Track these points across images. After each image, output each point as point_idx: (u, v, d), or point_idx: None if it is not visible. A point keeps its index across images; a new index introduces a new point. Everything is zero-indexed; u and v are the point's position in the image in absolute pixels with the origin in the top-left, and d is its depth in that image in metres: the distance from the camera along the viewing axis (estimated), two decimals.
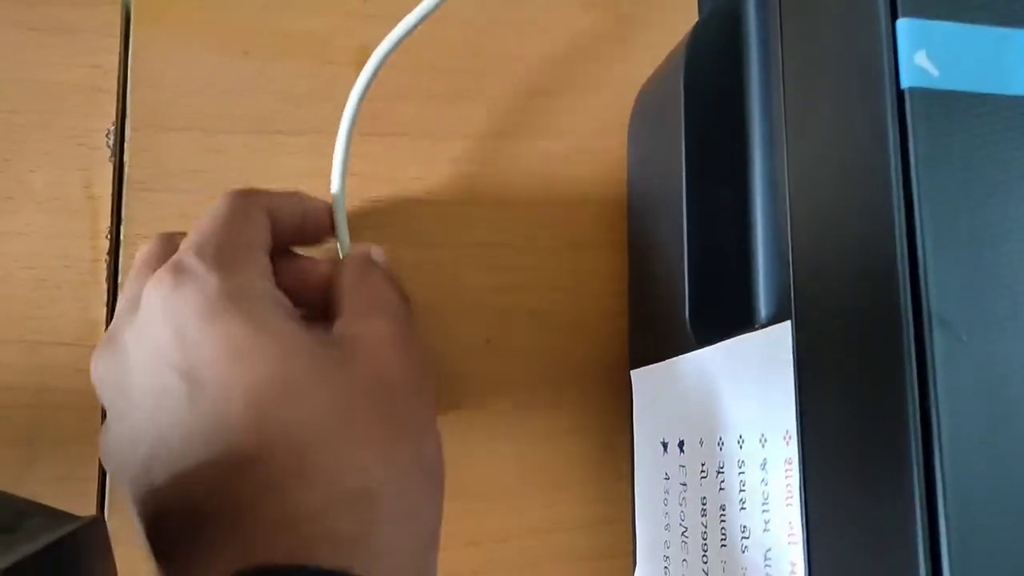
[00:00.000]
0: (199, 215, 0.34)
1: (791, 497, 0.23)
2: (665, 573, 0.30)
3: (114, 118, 0.34)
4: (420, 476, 0.25)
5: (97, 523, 0.26)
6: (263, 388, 0.24)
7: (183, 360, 0.24)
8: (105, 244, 0.34)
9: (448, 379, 0.36)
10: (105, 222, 0.34)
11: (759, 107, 0.29)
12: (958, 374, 0.19)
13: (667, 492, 0.30)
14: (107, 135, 0.34)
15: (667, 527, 0.30)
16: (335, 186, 0.32)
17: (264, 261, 0.27)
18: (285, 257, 0.30)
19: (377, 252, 0.31)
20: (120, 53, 0.35)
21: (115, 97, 0.35)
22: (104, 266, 0.34)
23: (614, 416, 0.36)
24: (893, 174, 0.19)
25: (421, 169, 0.37)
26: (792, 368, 0.23)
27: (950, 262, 0.19)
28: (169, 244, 0.28)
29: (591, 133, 0.38)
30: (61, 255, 0.34)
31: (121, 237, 0.34)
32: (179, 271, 0.25)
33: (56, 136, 0.34)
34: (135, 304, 0.26)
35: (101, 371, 0.27)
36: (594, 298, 0.37)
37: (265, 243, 0.28)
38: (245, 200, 0.28)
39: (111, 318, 0.34)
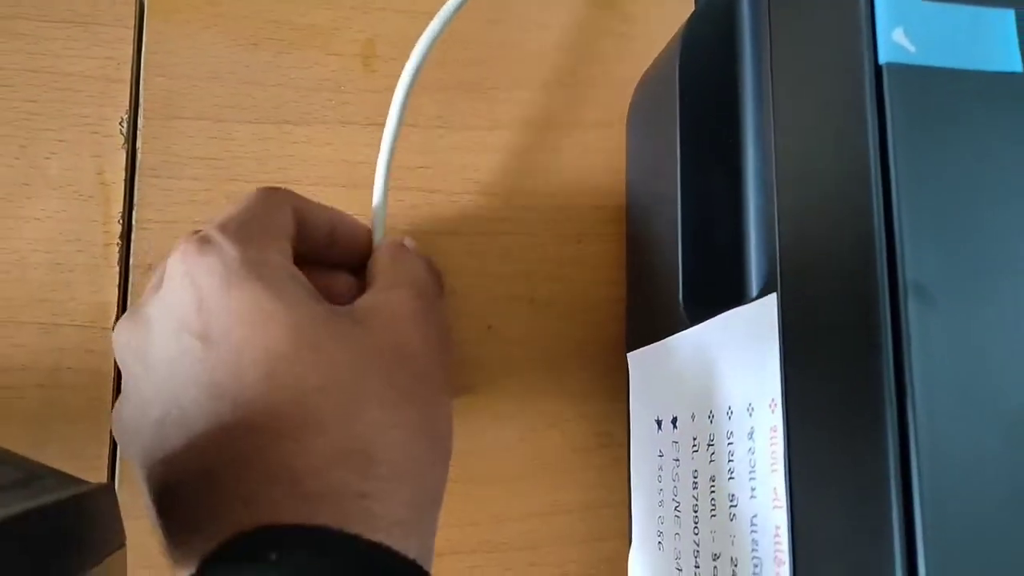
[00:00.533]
0: (209, 201, 0.35)
1: (776, 463, 0.23)
2: (659, 548, 0.31)
3: (127, 107, 0.36)
4: (424, 440, 0.26)
5: (107, 489, 0.26)
6: (275, 350, 0.24)
7: (201, 325, 0.25)
8: (118, 228, 0.35)
9: (451, 365, 0.36)
10: (118, 207, 0.35)
11: (752, 94, 0.30)
12: (932, 338, 0.19)
13: (661, 469, 0.31)
14: (120, 123, 0.35)
15: (661, 503, 0.31)
16: (377, 189, 0.33)
17: (285, 245, 0.28)
18: (310, 268, 0.30)
19: (409, 241, 0.32)
20: (134, 44, 0.36)
21: (128, 87, 0.36)
22: (116, 250, 0.35)
23: (613, 400, 0.36)
24: (871, 146, 0.20)
25: (426, 159, 0.38)
26: (778, 338, 0.23)
27: (925, 231, 0.20)
28: None
29: (592, 125, 0.39)
30: (75, 239, 0.35)
31: (133, 222, 0.35)
32: (203, 243, 0.26)
33: (71, 124, 0.35)
34: (161, 282, 0.27)
35: (123, 340, 0.27)
36: (593, 286, 0.38)
37: (288, 232, 0.28)
38: (273, 193, 0.29)
39: (123, 300, 0.35)
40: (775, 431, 0.23)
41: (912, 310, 0.19)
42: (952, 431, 0.19)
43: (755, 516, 0.24)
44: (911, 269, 0.19)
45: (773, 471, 0.24)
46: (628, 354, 0.34)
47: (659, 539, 0.31)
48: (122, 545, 0.27)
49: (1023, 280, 0.20)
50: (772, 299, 0.24)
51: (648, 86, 0.36)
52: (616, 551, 0.36)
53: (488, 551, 0.36)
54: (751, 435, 0.25)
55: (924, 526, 0.19)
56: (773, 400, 0.24)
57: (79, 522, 0.23)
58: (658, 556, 0.31)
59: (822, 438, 0.22)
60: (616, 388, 0.36)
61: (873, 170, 0.20)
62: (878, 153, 0.20)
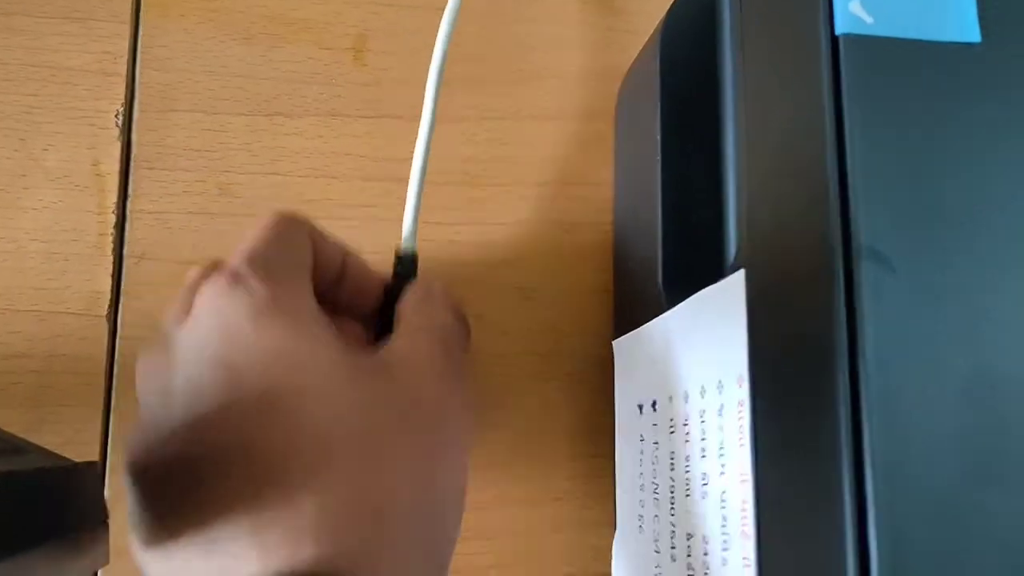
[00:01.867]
0: (202, 192, 0.36)
1: (743, 438, 0.23)
2: (639, 531, 0.31)
3: (123, 100, 0.36)
4: (436, 495, 0.26)
5: (90, 467, 0.27)
6: (298, 392, 0.24)
7: (228, 360, 0.24)
8: (112, 219, 0.35)
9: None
10: (112, 198, 0.36)
11: (730, 79, 0.30)
12: (887, 302, 0.19)
13: (642, 453, 0.31)
14: (116, 116, 0.36)
15: (642, 487, 0.31)
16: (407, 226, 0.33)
17: (308, 284, 0.28)
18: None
19: (439, 286, 0.31)
20: (130, 39, 0.37)
21: (124, 80, 0.36)
22: (111, 239, 0.35)
23: (602, 388, 0.37)
24: (827, 117, 0.20)
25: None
26: (742, 322, 0.24)
27: (880, 198, 0.20)
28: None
29: (581, 116, 0.39)
30: (71, 229, 0.35)
31: (127, 212, 0.36)
32: (234, 278, 0.26)
33: (68, 117, 0.36)
34: (184, 314, 0.27)
35: (146, 371, 0.27)
36: (582, 275, 0.38)
37: (308, 267, 0.28)
38: (293, 222, 0.28)
39: (116, 289, 0.35)
40: (742, 405, 0.24)
41: (866, 275, 0.19)
42: (905, 397, 0.19)
43: (724, 492, 0.24)
44: (866, 235, 0.20)
45: (740, 446, 0.24)
46: (613, 341, 0.35)
47: (640, 522, 0.31)
48: (103, 522, 0.27)
49: (978, 245, 0.20)
50: (740, 275, 0.24)
51: (633, 77, 0.36)
52: (604, 538, 0.36)
53: (477, 538, 0.36)
54: (721, 412, 0.25)
55: (875, 494, 0.19)
56: (741, 376, 0.24)
57: (57, 493, 0.24)
58: (639, 539, 0.31)
59: (784, 410, 0.22)
60: (604, 376, 0.36)
61: (828, 140, 0.20)
62: (834, 123, 0.20)
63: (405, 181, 0.38)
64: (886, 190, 0.20)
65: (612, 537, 0.34)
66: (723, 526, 0.24)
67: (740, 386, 0.24)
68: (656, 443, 0.30)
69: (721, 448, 0.25)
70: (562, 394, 0.37)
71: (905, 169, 0.20)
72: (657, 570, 0.29)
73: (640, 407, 0.31)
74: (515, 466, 0.37)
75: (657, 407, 0.30)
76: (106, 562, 0.25)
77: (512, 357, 0.37)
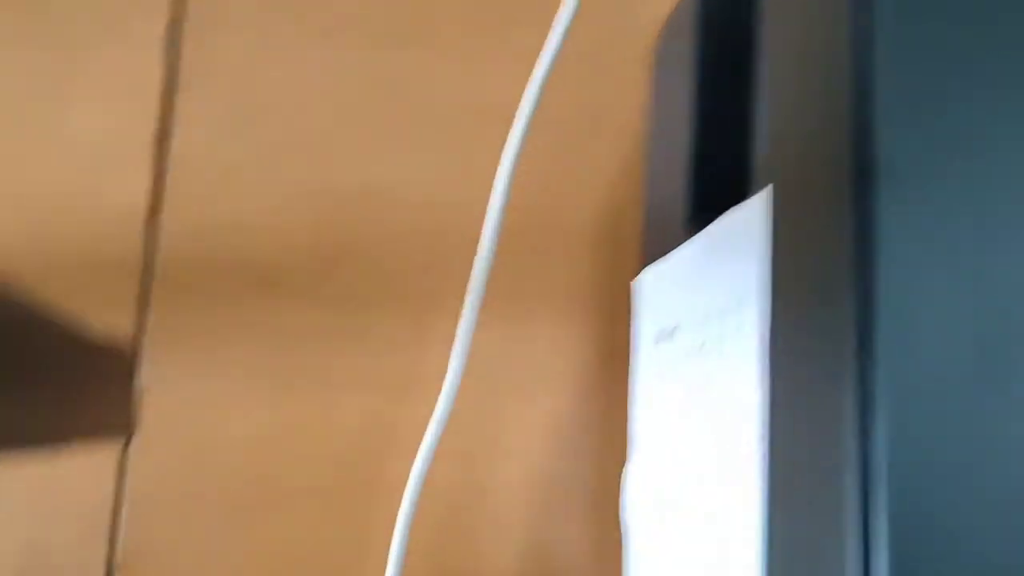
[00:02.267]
0: (246, 111, 0.37)
1: (756, 363, 0.24)
2: (649, 460, 0.31)
3: (172, 18, 0.37)
4: None
5: (123, 343, 0.28)
6: None
7: None
8: (156, 134, 0.37)
9: (462, 284, 0.37)
10: (156, 111, 0.37)
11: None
12: (901, 225, 0.20)
13: (656, 381, 0.32)
14: (165, 34, 0.37)
15: (654, 417, 0.31)
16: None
17: None
18: None
19: None
20: None
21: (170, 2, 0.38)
22: (154, 150, 0.37)
23: (622, 323, 0.37)
24: (853, 36, 0.21)
25: (450, 87, 0.39)
26: (762, 237, 0.24)
27: (903, 120, 0.20)
28: None
29: (612, 63, 0.40)
30: (116, 138, 0.37)
31: (171, 125, 0.37)
32: None
33: (117, 31, 0.37)
34: None
35: None
36: (611, 216, 0.39)
37: None
38: None
39: (157, 200, 0.37)
40: (758, 329, 0.24)
41: (882, 198, 0.20)
42: (917, 323, 0.19)
43: (734, 418, 0.25)
44: (885, 158, 0.20)
45: (753, 371, 0.24)
46: (633, 281, 0.35)
47: (650, 451, 0.31)
48: (130, 392, 0.28)
49: (997, 172, 0.20)
50: (764, 194, 0.25)
51: (671, 20, 0.37)
52: (617, 468, 0.37)
53: (493, 459, 0.37)
54: (738, 332, 0.25)
55: (881, 422, 0.19)
56: (759, 298, 0.24)
57: (89, 354, 0.25)
58: (648, 468, 0.31)
59: (798, 336, 0.22)
60: (627, 313, 0.37)
61: (853, 60, 0.21)
62: (858, 43, 0.21)
63: (442, 107, 0.38)
64: (910, 112, 0.20)
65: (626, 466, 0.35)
66: (731, 452, 0.25)
67: (757, 309, 0.24)
68: (670, 372, 0.30)
69: (734, 373, 0.25)
70: (585, 329, 0.38)
71: (931, 92, 0.21)
72: (665, 497, 0.30)
73: (656, 337, 0.32)
74: (534, 393, 0.38)
75: (674, 336, 0.30)
76: (134, 430, 0.26)
77: (536, 293, 0.38)
